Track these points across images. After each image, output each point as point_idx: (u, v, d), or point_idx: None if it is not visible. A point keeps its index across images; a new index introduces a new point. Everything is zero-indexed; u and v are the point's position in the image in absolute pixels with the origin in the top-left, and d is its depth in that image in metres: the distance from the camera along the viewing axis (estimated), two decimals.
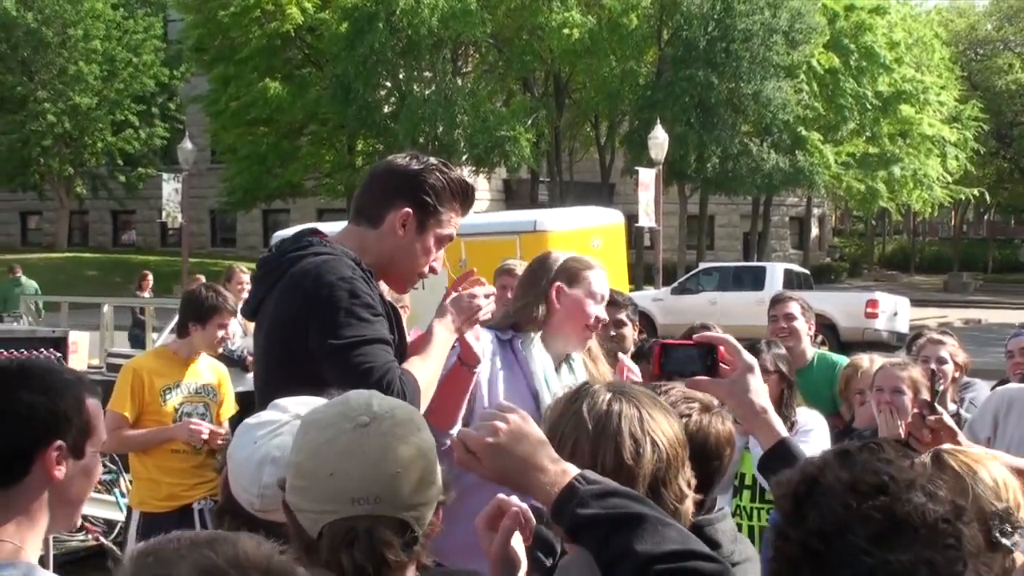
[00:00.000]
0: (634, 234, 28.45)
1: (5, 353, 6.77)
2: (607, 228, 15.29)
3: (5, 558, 1.78)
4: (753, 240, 39.84)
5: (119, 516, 7.15)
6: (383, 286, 2.93)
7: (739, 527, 3.36)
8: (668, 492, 1.82)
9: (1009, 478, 2.21)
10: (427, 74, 33.27)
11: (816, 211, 46.58)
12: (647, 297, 22.08)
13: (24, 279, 20.27)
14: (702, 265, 25.87)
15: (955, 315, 29.64)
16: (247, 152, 34.84)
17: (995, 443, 3.64)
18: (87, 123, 39.13)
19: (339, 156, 35.55)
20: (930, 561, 1.30)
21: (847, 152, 35.11)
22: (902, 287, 36.53)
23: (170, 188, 28.33)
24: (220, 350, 5.51)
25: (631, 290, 17.41)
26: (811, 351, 5.38)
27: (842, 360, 5.26)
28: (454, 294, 2.91)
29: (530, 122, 32.69)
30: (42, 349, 7.17)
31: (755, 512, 4.01)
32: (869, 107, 34.87)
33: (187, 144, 29.74)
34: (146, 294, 18.69)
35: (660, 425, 1.85)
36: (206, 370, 5.20)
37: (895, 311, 20.65)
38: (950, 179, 38.71)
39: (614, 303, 4.95)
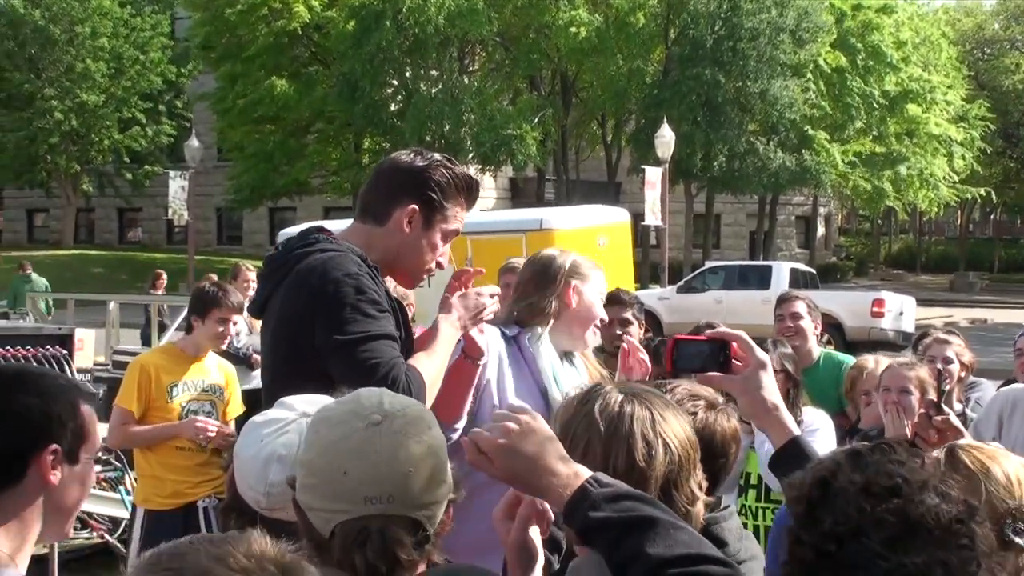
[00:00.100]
0: (640, 233, 28.38)
1: (12, 350, 6.82)
2: (613, 227, 15.31)
3: None
4: (759, 239, 39.79)
5: (124, 513, 7.14)
6: (389, 282, 2.92)
7: (744, 527, 3.35)
8: (680, 495, 1.81)
9: (1023, 474, 2.19)
10: (434, 72, 33.29)
11: (822, 210, 46.50)
12: (653, 296, 22.09)
13: (35, 276, 20.30)
14: (708, 264, 25.87)
15: (961, 315, 29.54)
16: (254, 150, 34.90)
17: (999, 443, 3.61)
18: (94, 121, 39.14)
19: (346, 154, 35.58)
20: (944, 562, 1.30)
21: (854, 151, 35.02)
22: (908, 286, 36.42)
23: (176, 186, 28.38)
24: (224, 346, 5.50)
25: (637, 289, 17.39)
26: (817, 350, 5.37)
27: (848, 359, 5.25)
28: (460, 292, 2.91)
29: (536, 120, 32.72)
30: (48, 346, 7.21)
31: (760, 512, 4.00)
32: (876, 106, 34.84)
33: (194, 142, 29.82)
34: (160, 293, 18.45)
35: (672, 427, 1.83)
36: (214, 369, 5.20)
37: (901, 310, 20.61)
38: (956, 178, 38.65)
39: (620, 302, 4.95)
